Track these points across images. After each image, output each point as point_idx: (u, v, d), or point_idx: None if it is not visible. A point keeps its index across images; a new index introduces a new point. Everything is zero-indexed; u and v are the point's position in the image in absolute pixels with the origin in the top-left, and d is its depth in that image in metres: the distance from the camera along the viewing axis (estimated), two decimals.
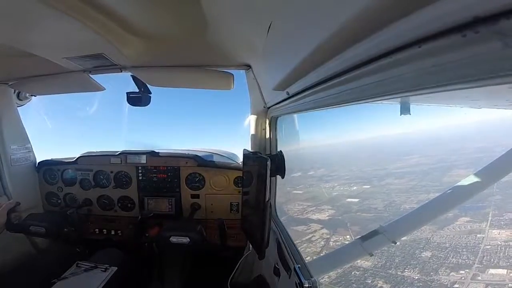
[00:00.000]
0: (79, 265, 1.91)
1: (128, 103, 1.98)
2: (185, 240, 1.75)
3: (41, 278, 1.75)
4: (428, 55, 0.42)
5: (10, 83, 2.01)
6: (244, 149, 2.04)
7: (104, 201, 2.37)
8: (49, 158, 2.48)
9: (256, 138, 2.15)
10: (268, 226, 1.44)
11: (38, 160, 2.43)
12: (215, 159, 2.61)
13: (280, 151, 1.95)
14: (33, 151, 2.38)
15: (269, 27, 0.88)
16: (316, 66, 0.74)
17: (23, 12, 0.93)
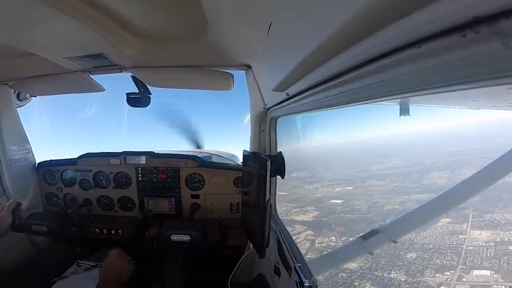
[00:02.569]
0: (79, 264, 1.91)
1: (128, 104, 1.98)
2: (186, 238, 1.75)
3: (42, 277, 1.75)
4: (428, 55, 0.42)
5: (10, 84, 2.01)
6: (244, 150, 2.04)
7: (104, 201, 2.37)
8: (48, 159, 2.49)
9: (256, 139, 2.15)
10: (268, 225, 1.44)
11: (37, 161, 2.43)
12: (215, 159, 2.61)
13: (280, 152, 1.95)
14: (32, 152, 2.38)
15: (269, 27, 0.88)
16: (315, 66, 0.74)
17: (23, 12, 0.93)
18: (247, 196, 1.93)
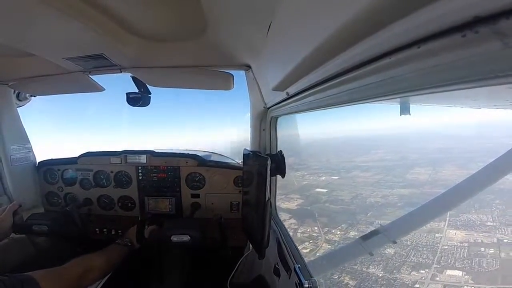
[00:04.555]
0: None
1: (128, 103, 1.98)
2: (186, 238, 1.75)
3: None
4: (427, 55, 0.42)
5: (10, 83, 2.01)
6: (244, 149, 2.04)
7: (105, 200, 2.37)
8: (49, 158, 2.49)
9: (256, 138, 2.15)
10: (268, 225, 1.44)
11: (38, 160, 2.44)
12: (215, 158, 2.61)
13: (280, 150, 1.95)
14: (33, 151, 2.38)
15: (269, 27, 0.88)
16: (315, 66, 0.74)
17: (23, 12, 0.93)
18: (247, 195, 1.93)
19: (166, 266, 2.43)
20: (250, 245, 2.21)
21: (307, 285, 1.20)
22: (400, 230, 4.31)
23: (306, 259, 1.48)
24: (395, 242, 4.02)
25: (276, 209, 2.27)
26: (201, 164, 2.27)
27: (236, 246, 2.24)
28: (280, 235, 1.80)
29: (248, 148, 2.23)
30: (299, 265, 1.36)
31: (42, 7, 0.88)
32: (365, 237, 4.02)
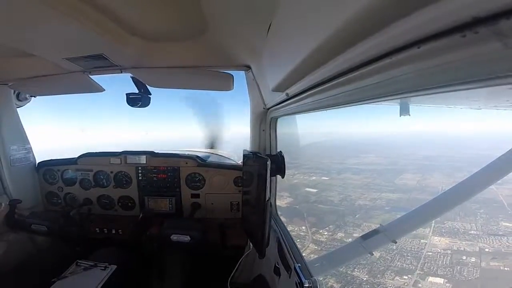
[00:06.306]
0: (78, 264, 1.91)
1: (128, 104, 1.98)
2: (186, 238, 1.75)
3: (41, 277, 1.75)
4: (427, 56, 0.42)
5: (9, 84, 2.01)
6: (244, 150, 2.05)
7: (105, 200, 2.37)
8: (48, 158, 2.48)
9: (256, 139, 2.15)
10: (268, 225, 1.44)
11: (38, 161, 2.43)
12: (215, 159, 2.61)
13: (280, 151, 1.96)
14: (32, 152, 2.38)
15: (269, 28, 0.88)
16: (315, 67, 0.74)
17: (23, 12, 0.92)
18: (247, 195, 1.94)
19: (166, 266, 2.43)
20: (251, 245, 2.21)
21: (308, 285, 1.20)
22: (400, 230, 4.30)
23: (306, 259, 1.48)
24: (395, 242, 4.02)
25: (276, 209, 2.27)
26: (201, 165, 2.27)
27: (236, 245, 2.24)
28: (281, 234, 1.80)
29: (248, 149, 2.23)
30: (300, 265, 1.36)
31: (42, 8, 0.88)
32: (365, 237, 4.01)
